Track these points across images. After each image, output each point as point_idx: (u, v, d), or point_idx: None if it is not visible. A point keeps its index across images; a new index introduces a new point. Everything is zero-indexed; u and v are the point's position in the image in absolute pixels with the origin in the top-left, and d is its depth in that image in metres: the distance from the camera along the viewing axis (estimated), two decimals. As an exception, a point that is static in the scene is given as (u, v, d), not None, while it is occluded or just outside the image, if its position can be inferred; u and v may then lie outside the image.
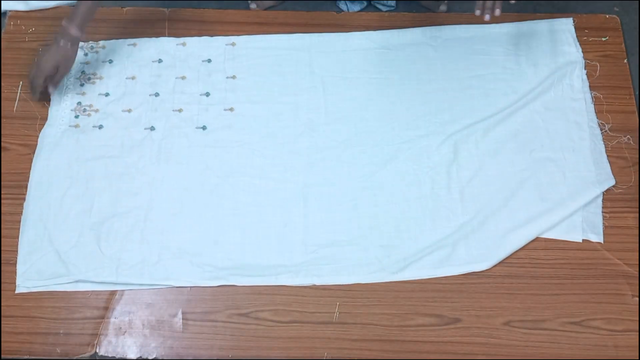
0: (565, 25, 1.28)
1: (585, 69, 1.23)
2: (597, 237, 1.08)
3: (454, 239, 1.07)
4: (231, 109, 1.20)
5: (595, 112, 1.19)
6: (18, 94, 1.21)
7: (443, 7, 1.35)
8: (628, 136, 1.17)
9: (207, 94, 1.22)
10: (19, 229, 1.09)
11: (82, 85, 1.23)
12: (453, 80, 1.22)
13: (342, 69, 1.24)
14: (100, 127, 1.18)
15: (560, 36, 1.26)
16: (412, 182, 1.13)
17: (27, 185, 1.12)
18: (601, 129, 1.17)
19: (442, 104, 1.20)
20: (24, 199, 1.11)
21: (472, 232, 1.08)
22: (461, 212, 1.09)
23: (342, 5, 1.35)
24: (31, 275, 1.05)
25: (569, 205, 1.09)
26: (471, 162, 1.14)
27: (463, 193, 1.11)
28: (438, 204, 1.10)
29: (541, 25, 1.28)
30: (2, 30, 1.29)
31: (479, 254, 1.06)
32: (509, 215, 1.09)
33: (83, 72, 1.25)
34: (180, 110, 1.20)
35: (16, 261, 1.06)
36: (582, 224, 1.08)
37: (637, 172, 1.13)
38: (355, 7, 1.35)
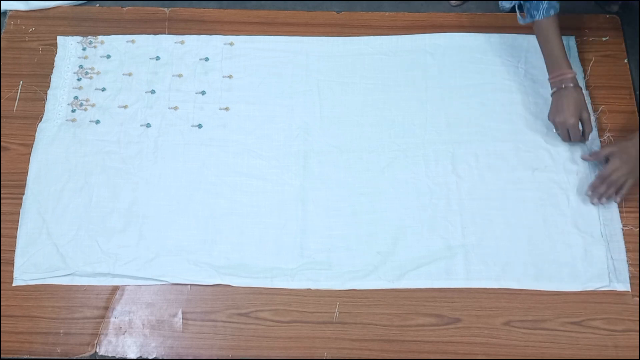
0: (566, 42, 1.24)
1: (587, 90, 1.21)
2: (623, 285, 1.04)
3: (452, 253, 1.07)
4: (227, 109, 1.20)
5: (599, 133, 1.17)
6: (18, 94, 1.21)
7: (614, 7, 1.30)
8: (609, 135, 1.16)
9: (203, 93, 1.22)
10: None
11: (79, 79, 1.23)
12: (450, 89, 1.22)
13: (339, 73, 1.24)
14: (97, 122, 1.18)
15: None
16: (410, 191, 1.12)
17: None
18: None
19: (439, 111, 1.19)
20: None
21: (472, 248, 1.07)
22: (460, 226, 1.09)
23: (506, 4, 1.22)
24: (28, 268, 1.06)
25: (573, 234, 1.07)
26: (471, 175, 1.13)
27: (462, 206, 1.10)
28: (436, 213, 1.10)
29: None
30: (2, 30, 1.29)
31: (477, 271, 1.05)
32: (510, 234, 1.08)
33: (81, 66, 1.25)
34: (175, 108, 1.20)
35: (17, 259, 1.07)
36: (608, 273, 1.05)
37: (637, 171, 1.13)
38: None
